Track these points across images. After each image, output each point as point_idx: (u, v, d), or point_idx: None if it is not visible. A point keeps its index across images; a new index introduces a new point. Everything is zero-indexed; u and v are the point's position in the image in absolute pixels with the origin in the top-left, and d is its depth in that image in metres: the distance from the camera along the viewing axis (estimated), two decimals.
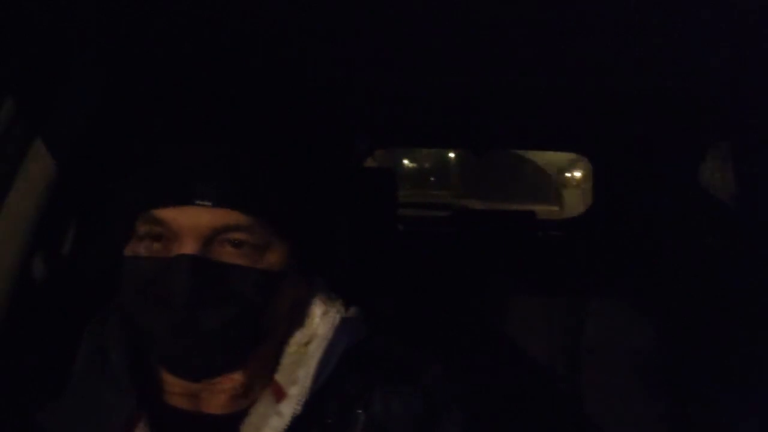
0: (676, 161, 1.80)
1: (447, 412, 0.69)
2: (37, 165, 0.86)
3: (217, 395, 0.65)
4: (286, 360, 0.66)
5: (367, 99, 1.46)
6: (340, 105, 1.46)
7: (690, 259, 1.70)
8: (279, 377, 0.65)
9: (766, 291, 1.38)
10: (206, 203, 0.60)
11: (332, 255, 0.79)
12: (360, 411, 0.65)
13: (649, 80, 1.16)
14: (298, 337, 0.67)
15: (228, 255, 0.60)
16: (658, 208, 1.90)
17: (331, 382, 0.65)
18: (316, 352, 0.65)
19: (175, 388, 0.65)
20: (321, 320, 0.67)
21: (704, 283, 1.60)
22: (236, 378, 0.65)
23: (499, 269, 2.06)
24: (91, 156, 0.88)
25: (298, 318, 0.68)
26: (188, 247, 0.59)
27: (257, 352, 0.64)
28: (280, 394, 0.63)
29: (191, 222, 0.59)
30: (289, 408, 0.62)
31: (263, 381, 0.66)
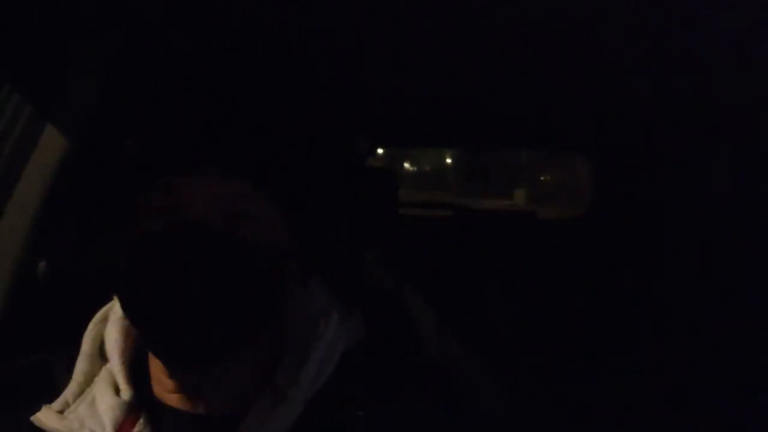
0: (677, 161, 1.80)
1: (447, 412, 0.69)
2: (37, 165, 0.86)
3: (216, 395, 0.64)
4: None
5: (367, 99, 1.46)
6: (340, 105, 1.46)
7: (690, 259, 1.70)
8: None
9: (766, 291, 1.38)
10: (213, 173, 0.61)
11: (332, 254, 0.78)
12: (360, 413, 0.65)
13: (649, 80, 1.16)
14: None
15: (232, 227, 0.61)
16: (658, 208, 1.90)
17: (331, 383, 0.65)
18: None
19: (174, 387, 0.65)
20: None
21: (704, 283, 1.60)
22: (235, 377, 0.64)
23: (499, 269, 2.06)
24: (91, 155, 0.88)
25: (297, 318, 0.68)
26: (194, 217, 0.59)
27: (255, 345, 0.64)
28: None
29: (198, 192, 0.60)
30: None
31: (262, 381, 0.66)
